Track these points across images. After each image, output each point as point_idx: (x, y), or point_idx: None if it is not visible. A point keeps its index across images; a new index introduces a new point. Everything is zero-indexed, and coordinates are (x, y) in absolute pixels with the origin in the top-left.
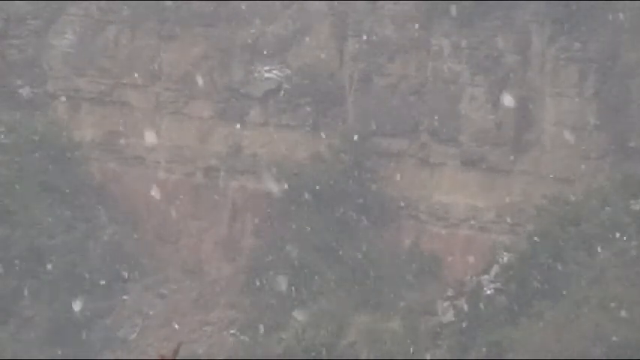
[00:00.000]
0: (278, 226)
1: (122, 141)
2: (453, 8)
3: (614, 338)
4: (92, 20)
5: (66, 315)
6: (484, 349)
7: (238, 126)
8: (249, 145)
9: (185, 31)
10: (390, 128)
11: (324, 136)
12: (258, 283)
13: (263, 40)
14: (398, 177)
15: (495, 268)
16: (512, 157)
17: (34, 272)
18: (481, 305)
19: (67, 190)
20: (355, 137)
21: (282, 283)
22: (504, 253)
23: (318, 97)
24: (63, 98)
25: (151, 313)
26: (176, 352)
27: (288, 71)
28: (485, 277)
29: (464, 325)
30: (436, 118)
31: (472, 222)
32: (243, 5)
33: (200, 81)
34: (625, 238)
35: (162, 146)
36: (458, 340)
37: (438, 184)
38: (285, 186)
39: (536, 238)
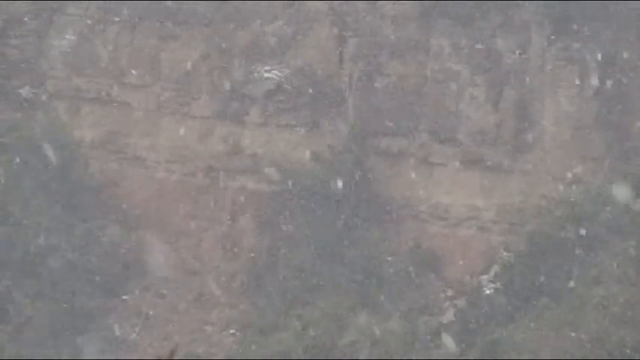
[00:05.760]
0: (278, 226)
1: (122, 141)
2: (453, 8)
3: (614, 338)
4: (92, 20)
5: (66, 315)
6: (484, 349)
7: (238, 126)
8: (249, 145)
9: (185, 31)
10: (390, 128)
11: (324, 136)
12: (258, 283)
13: (263, 40)
14: (398, 177)
15: (495, 268)
16: (512, 157)
17: (34, 272)
18: (481, 305)
19: (67, 190)
20: (355, 137)
21: (282, 283)
22: (504, 253)
23: (318, 97)
24: (63, 98)
25: (150, 313)
26: (173, 352)
27: (288, 71)
28: (485, 277)
29: (464, 325)
30: (436, 118)
31: (472, 222)
32: (243, 5)
33: (200, 81)
34: (625, 238)
35: (162, 146)
36: (458, 340)
37: (438, 184)
38: (285, 186)
39: (536, 238)
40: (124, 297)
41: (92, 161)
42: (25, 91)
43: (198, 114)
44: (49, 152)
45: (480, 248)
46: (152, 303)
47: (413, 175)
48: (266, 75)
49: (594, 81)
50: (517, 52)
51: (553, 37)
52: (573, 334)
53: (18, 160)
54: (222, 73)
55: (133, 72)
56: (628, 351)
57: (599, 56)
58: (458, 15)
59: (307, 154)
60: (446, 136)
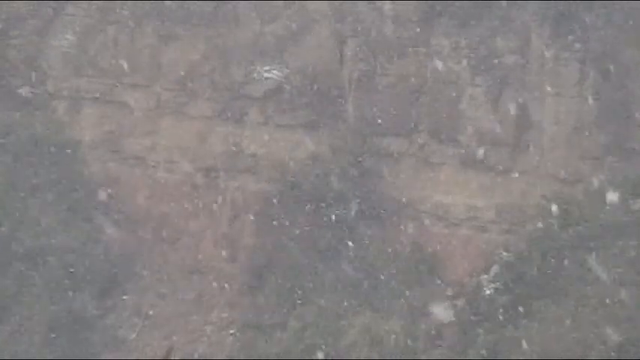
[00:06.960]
0: (278, 226)
1: (122, 141)
2: (453, 8)
3: (614, 338)
4: (92, 20)
5: (66, 315)
6: (484, 349)
7: (238, 126)
8: (249, 145)
9: (185, 31)
10: (390, 128)
11: (324, 136)
12: (258, 283)
13: (263, 40)
14: (398, 177)
15: (495, 268)
16: (512, 157)
17: (34, 272)
18: (481, 305)
19: (67, 190)
20: (355, 137)
21: (282, 283)
22: (504, 253)
23: (318, 97)
24: (63, 98)
25: (150, 313)
26: (169, 352)
27: (288, 71)
28: (485, 277)
29: (464, 325)
30: (436, 118)
31: (472, 222)
32: (243, 5)
33: (200, 81)
34: (625, 238)
35: (162, 146)
36: (458, 340)
37: (438, 184)
38: (285, 186)
39: (536, 238)
40: (124, 297)
41: (92, 161)
42: (25, 91)
43: (198, 114)
44: (49, 152)
45: (479, 248)
46: (152, 303)
47: (413, 175)
48: (266, 75)
49: (594, 81)
50: (517, 52)
51: (553, 37)
52: (573, 334)
53: (18, 160)
54: (222, 73)
55: (133, 72)
56: (628, 351)
57: (599, 56)
58: (458, 15)
59: (307, 154)
60: (446, 136)
